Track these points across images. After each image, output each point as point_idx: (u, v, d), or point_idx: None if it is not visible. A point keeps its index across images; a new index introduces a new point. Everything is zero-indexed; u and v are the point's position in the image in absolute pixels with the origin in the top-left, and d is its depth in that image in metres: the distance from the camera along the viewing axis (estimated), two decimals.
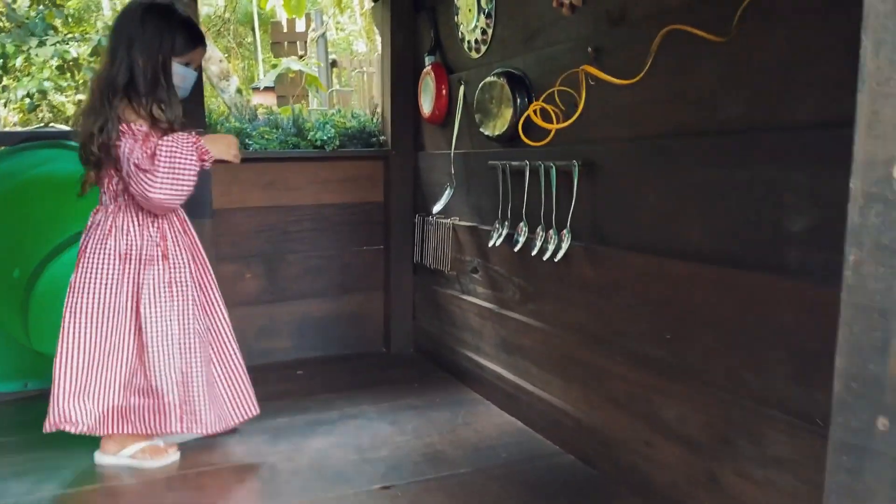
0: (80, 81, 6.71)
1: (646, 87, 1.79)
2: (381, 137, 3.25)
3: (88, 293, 2.05)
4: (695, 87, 1.66)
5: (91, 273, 2.06)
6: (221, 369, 2.23)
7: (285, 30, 10.60)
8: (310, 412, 2.53)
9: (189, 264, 2.15)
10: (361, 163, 3.23)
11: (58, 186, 3.43)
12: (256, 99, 10.18)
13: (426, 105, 2.97)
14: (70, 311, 2.06)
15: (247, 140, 3.06)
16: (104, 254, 2.06)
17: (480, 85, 2.50)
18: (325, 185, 3.19)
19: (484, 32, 2.57)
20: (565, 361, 2.19)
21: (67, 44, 6.41)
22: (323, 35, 10.82)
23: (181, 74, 2.14)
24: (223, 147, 2.17)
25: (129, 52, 2.03)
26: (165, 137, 2.00)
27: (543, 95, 1.89)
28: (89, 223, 2.12)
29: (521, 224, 2.31)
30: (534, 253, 2.22)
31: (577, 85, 1.96)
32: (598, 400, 2.04)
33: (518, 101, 2.34)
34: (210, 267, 2.25)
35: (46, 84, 6.33)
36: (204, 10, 9.84)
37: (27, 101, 6.43)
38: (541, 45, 2.27)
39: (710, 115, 1.63)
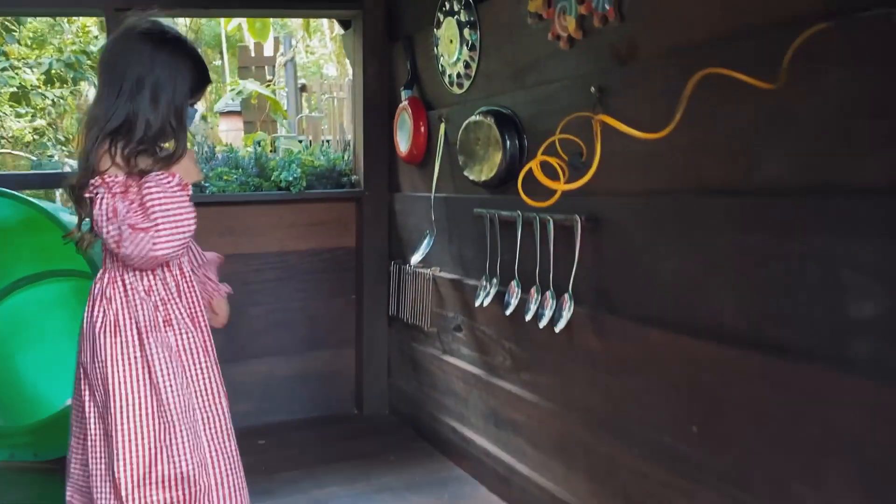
0: (38, 107, 6.35)
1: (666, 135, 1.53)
2: (353, 177, 2.97)
3: (96, 369, 1.74)
4: (728, 138, 1.40)
5: (93, 349, 1.75)
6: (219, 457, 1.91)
7: (253, 54, 10.31)
8: (274, 497, 2.21)
9: (197, 326, 1.84)
10: (331, 205, 2.93)
11: None
12: (223, 124, 9.86)
13: (403, 143, 2.69)
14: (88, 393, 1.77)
15: (203, 183, 2.75)
16: (106, 326, 1.75)
17: (465, 124, 2.23)
18: (291, 231, 2.89)
19: (467, 66, 2.31)
20: (566, 444, 1.90)
21: (16, 70, 6.04)
22: (292, 59, 10.54)
23: (189, 117, 1.85)
24: (192, 169, 1.84)
25: (133, 95, 1.72)
26: (146, 184, 1.68)
27: (544, 145, 1.61)
28: (93, 290, 1.82)
29: (514, 283, 2.03)
30: (528, 318, 1.94)
31: (584, 132, 1.69)
32: (606, 494, 1.76)
33: (508, 143, 2.08)
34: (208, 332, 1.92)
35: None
36: None
37: None
38: (533, 82, 2.01)
39: (748, 173, 1.37)
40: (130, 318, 1.76)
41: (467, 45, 2.29)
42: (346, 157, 3.04)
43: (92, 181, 1.71)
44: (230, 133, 9.64)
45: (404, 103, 2.66)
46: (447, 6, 2.36)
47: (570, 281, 1.80)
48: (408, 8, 2.75)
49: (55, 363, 3.73)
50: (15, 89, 6.08)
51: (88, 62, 6.08)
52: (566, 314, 1.79)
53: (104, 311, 1.78)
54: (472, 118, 2.19)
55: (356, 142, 2.99)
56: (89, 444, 1.77)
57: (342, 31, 3.20)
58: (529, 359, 2.06)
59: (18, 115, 7.41)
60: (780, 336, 1.31)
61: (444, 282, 2.50)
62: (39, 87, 6.23)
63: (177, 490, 1.69)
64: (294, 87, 10.58)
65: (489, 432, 2.27)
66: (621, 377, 1.70)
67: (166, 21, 1.81)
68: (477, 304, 2.19)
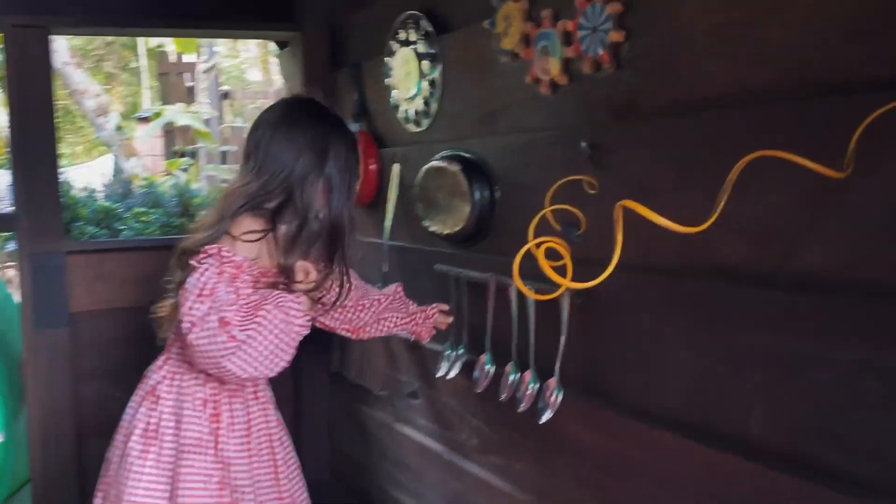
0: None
1: (672, 206, 1.31)
2: None
3: (119, 477, 1.57)
4: (756, 219, 1.19)
5: (124, 452, 1.58)
6: None
7: (173, 60, 9.78)
8: None
9: (251, 462, 1.64)
10: None
11: None
12: (140, 130, 9.27)
13: None
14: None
15: (117, 224, 2.40)
16: (140, 427, 1.58)
17: (425, 169, 1.97)
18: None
19: (427, 103, 2.05)
20: None
21: None
22: (214, 67, 10.05)
23: None
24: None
25: (291, 184, 1.60)
26: (272, 299, 1.48)
27: (534, 221, 1.35)
28: (152, 377, 1.65)
29: (485, 357, 1.78)
30: (502, 399, 1.69)
31: (578, 197, 1.45)
32: None
33: (477, 195, 1.83)
34: (295, 468, 1.77)
35: None
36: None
37: None
38: (506, 128, 1.77)
39: (784, 259, 1.16)
40: (174, 428, 1.55)
41: (427, 80, 2.03)
42: None
43: (205, 247, 1.48)
44: (147, 142, 9.08)
45: None
46: (402, 35, 2.10)
47: (556, 361, 1.56)
48: (355, 32, 2.47)
49: None
50: None
51: None
52: (552, 407, 1.54)
53: (147, 412, 1.57)
54: (435, 163, 1.94)
55: None
56: None
57: (277, 51, 2.89)
58: (502, 441, 1.81)
59: None
60: (827, 459, 1.10)
61: (398, 340, 2.23)
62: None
63: None
64: (216, 96, 10.08)
65: None
66: (619, 479, 1.47)
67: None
68: (439, 374, 1.93)
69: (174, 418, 1.57)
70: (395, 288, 1.99)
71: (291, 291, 1.58)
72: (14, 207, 2.30)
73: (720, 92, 1.25)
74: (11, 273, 6.38)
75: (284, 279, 1.59)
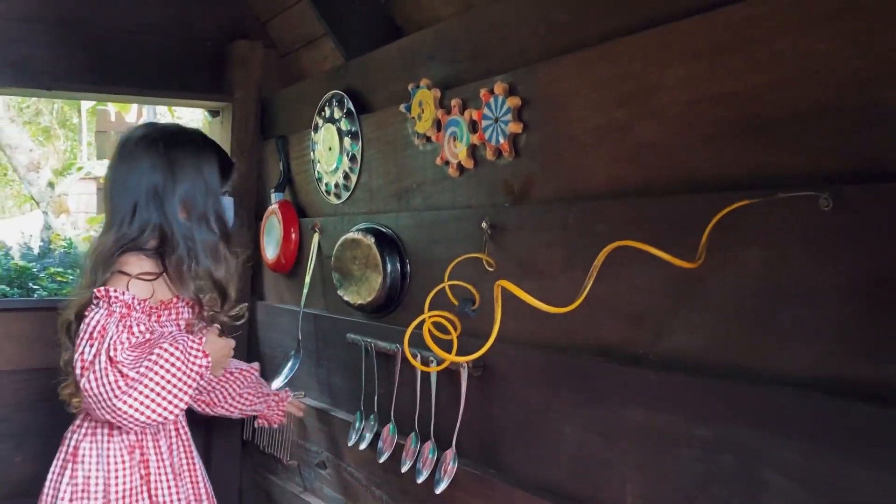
0: None
1: (559, 286, 1.40)
2: None
3: None
4: (630, 301, 1.28)
5: None
6: None
7: (113, 119, 9.73)
8: None
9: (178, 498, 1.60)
10: None
11: None
12: (79, 187, 9.10)
13: (270, 250, 2.45)
14: None
15: (31, 283, 2.37)
16: (67, 491, 1.51)
17: (342, 240, 2.04)
18: None
19: (346, 177, 2.13)
20: None
21: None
22: None
23: (228, 208, 1.72)
24: (224, 355, 1.70)
25: (156, 206, 1.56)
26: (164, 343, 1.44)
27: (430, 295, 1.42)
28: (68, 441, 1.60)
29: (389, 428, 1.82)
30: (404, 470, 1.72)
31: (476, 275, 1.54)
32: None
33: (389, 267, 1.89)
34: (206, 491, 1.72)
35: None
36: None
37: None
38: (420, 205, 1.86)
39: (655, 341, 1.25)
40: (103, 486, 1.51)
41: (347, 156, 2.12)
42: None
43: (95, 291, 1.45)
44: (82, 198, 8.92)
45: (274, 206, 2.43)
46: (327, 112, 2.19)
47: (454, 433, 1.61)
48: (283, 106, 2.56)
49: None
50: None
51: None
52: (447, 476, 1.58)
53: (71, 471, 1.52)
54: (350, 234, 2.00)
55: None
56: None
57: (209, 118, 2.96)
58: None
59: None
60: None
61: (310, 410, 2.23)
62: None
63: None
64: None
65: None
66: None
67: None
68: (350, 443, 1.95)
69: (101, 475, 1.53)
70: (253, 366, 2.02)
71: (205, 319, 1.62)
72: None
73: (600, 185, 1.36)
74: None
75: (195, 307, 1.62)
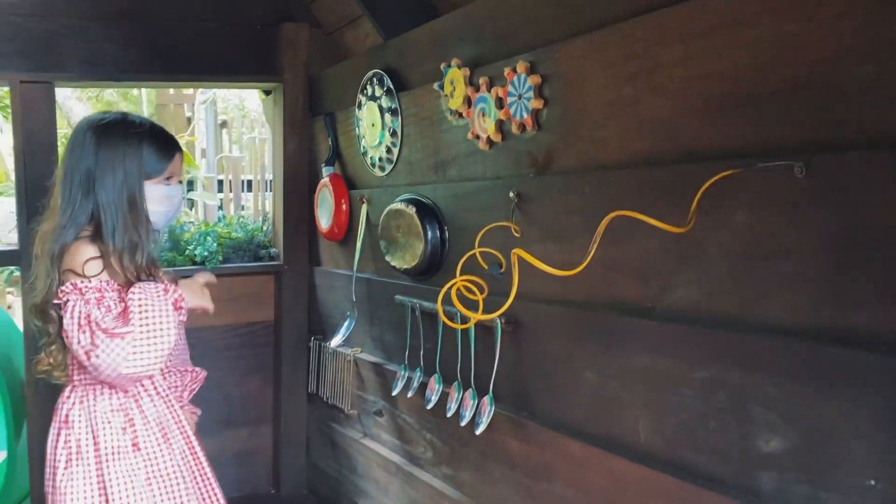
0: None
1: (577, 249, 1.55)
2: (272, 250, 2.91)
3: None
4: (641, 262, 1.44)
5: (53, 482, 1.65)
6: None
7: (171, 91, 10.06)
8: None
9: (170, 450, 1.72)
10: (248, 279, 2.87)
11: None
12: None
13: (324, 220, 2.66)
14: None
15: None
16: (62, 453, 1.65)
17: (386, 210, 2.22)
18: None
19: (389, 151, 2.31)
20: None
21: None
22: (212, 98, 10.34)
23: (165, 196, 1.73)
24: (197, 292, 1.78)
25: (88, 192, 1.64)
26: (132, 289, 1.58)
27: (462, 260, 1.60)
28: (62, 407, 1.71)
29: (435, 378, 2.02)
30: (449, 415, 1.93)
31: (504, 241, 1.70)
32: None
33: (429, 234, 2.07)
34: (200, 447, 1.82)
35: None
36: None
37: None
38: (455, 176, 2.02)
39: (660, 296, 1.40)
40: (93, 445, 1.64)
41: (389, 131, 2.29)
42: (264, 229, 2.98)
43: (61, 288, 1.58)
44: None
45: (325, 179, 2.63)
46: (369, 90, 2.36)
47: (490, 382, 1.80)
48: (329, 85, 2.74)
49: None
50: None
51: None
52: (486, 418, 1.78)
53: (65, 437, 1.66)
54: (394, 205, 2.19)
55: (275, 214, 2.94)
56: None
57: (263, 96, 3.16)
58: (451, 453, 2.04)
59: None
60: (691, 459, 1.34)
61: (366, 364, 2.46)
62: None
63: None
64: (214, 125, 10.35)
65: None
66: (541, 482, 1.70)
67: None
68: (394, 392, 2.17)
69: (91, 437, 1.64)
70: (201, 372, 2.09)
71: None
72: (19, 244, 2.55)
73: (612, 155, 1.50)
74: (10, 299, 6.61)
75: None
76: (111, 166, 1.66)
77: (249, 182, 7.41)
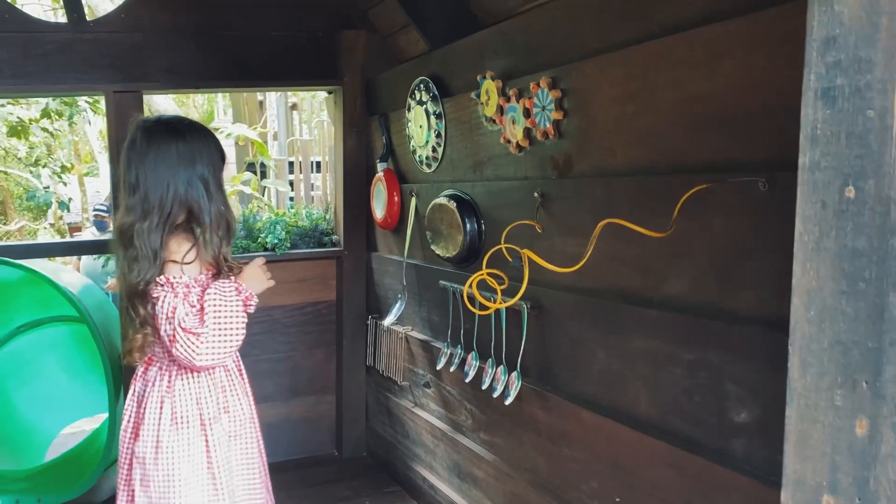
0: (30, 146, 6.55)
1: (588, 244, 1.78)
2: (334, 237, 3.21)
3: (160, 471, 1.81)
4: (640, 257, 1.66)
5: (158, 447, 1.81)
6: None
7: None
8: None
9: (247, 413, 1.96)
10: (313, 263, 3.18)
11: None
12: None
13: (378, 210, 2.94)
14: (144, 495, 1.82)
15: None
16: (168, 421, 1.82)
17: (432, 204, 2.48)
18: (276, 287, 3.10)
19: (434, 150, 2.56)
20: (517, 502, 2.15)
21: (15, 105, 6.26)
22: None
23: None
24: (259, 281, 1.95)
25: (174, 184, 1.80)
26: (209, 291, 1.79)
27: (489, 253, 1.86)
28: (140, 380, 1.89)
29: (472, 355, 2.28)
30: (484, 388, 2.19)
31: (525, 237, 1.94)
32: None
33: (468, 226, 2.32)
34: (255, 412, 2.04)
35: None
36: None
37: None
38: (490, 175, 2.26)
39: (657, 288, 1.62)
40: (196, 412, 1.83)
41: (434, 132, 2.54)
42: (327, 218, 3.28)
43: (157, 279, 1.77)
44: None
45: (380, 174, 2.90)
46: (417, 95, 2.61)
47: (518, 358, 2.05)
48: (383, 89, 3.00)
49: (49, 398, 3.98)
50: (12, 126, 6.31)
51: (86, 99, 6.31)
52: (514, 391, 2.04)
53: (171, 406, 1.83)
54: (438, 200, 2.44)
55: (337, 205, 3.23)
56: None
57: (325, 95, 3.44)
58: (487, 421, 2.31)
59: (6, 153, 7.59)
60: (679, 428, 1.57)
61: (415, 341, 2.74)
62: (37, 122, 6.45)
63: None
64: (285, 108, 10.77)
65: (454, 483, 2.52)
66: (561, 447, 1.95)
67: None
68: (438, 367, 2.44)
69: (195, 403, 1.82)
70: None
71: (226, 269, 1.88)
72: (115, 234, 2.92)
73: (618, 164, 1.72)
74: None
75: (219, 271, 1.88)
76: (204, 163, 1.85)
77: (318, 163, 7.77)
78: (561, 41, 1.91)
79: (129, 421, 1.88)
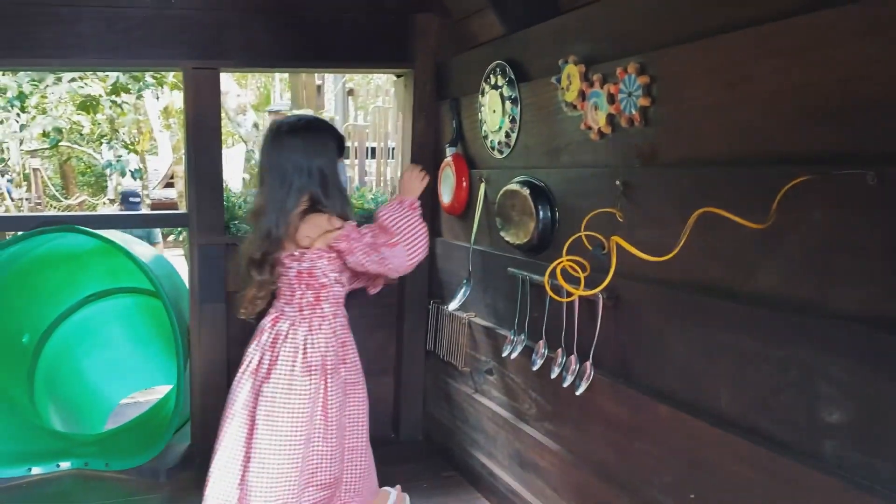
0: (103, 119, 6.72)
1: (673, 236, 1.74)
2: None
3: (288, 408, 2.11)
4: (730, 250, 1.61)
5: (290, 388, 2.12)
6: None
7: None
8: None
9: (358, 365, 2.31)
10: None
11: (67, 258, 3.43)
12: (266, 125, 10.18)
13: (445, 195, 2.93)
14: (268, 426, 2.11)
15: None
16: (301, 368, 2.13)
17: (503, 190, 2.46)
18: None
19: (508, 136, 2.54)
20: (583, 494, 2.13)
21: (84, 81, 6.43)
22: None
23: (342, 169, 2.31)
24: (417, 184, 2.30)
25: (302, 174, 2.14)
26: (378, 212, 2.16)
27: (568, 241, 1.83)
28: (270, 332, 2.19)
29: (541, 343, 2.26)
30: (553, 377, 2.17)
31: (607, 225, 1.91)
32: None
33: (541, 214, 2.30)
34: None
35: (61, 123, 6.37)
36: None
37: (51, 136, 6.48)
38: (566, 162, 2.23)
39: (745, 282, 1.58)
40: (323, 362, 2.17)
41: (508, 118, 2.52)
42: None
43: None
44: None
45: (448, 159, 2.89)
46: (492, 79, 2.59)
47: (591, 349, 2.03)
48: (455, 73, 2.98)
49: (115, 366, 4.10)
50: (83, 99, 6.48)
51: (152, 75, 6.45)
52: (586, 381, 2.01)
53: (304, 356, 2.15)
54: (510, 186, 2.42)
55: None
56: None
57: (394, 79, 3.45)
58: (553, 411, 2.29)
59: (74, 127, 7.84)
60: (764, 427, 1.53)
61: (479, 327, 2.74)
62: (107, 96, 6.62)
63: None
64: (342, 94, 10.85)
65: (514, 471, 2.51)
66: (633, 440, 1.92)
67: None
68: (504, 354, 2.43)
69: (324, 355, 2.15)
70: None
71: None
72: (187, 209, 2.98)
73: (708, 154, 1.68)
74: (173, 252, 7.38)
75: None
76: (324, 156, 2.19)
77: (373, 149, 7.82)
78: (652, 25, 1.87)
79: (259, 364, 2.17)
